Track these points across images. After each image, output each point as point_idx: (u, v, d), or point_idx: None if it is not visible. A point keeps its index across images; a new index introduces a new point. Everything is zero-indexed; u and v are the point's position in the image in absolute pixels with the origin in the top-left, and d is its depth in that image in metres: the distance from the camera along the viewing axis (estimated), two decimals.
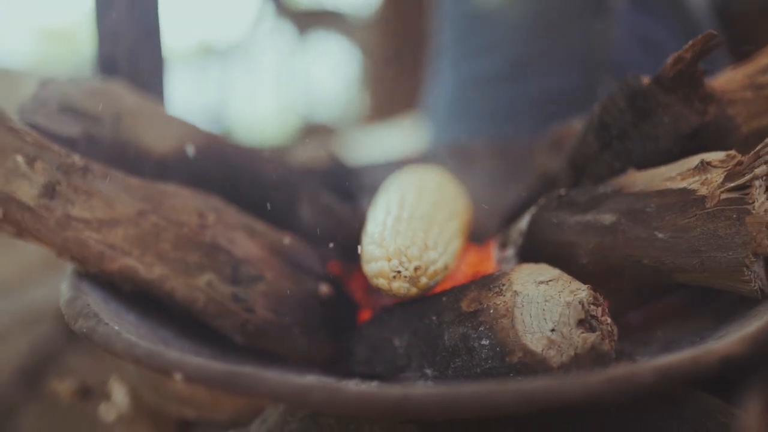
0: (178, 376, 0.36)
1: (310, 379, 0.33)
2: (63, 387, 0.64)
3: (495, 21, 0.98)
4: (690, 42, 0.47)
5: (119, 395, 0.72)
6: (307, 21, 2.70)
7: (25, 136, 0.49)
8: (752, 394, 0.26)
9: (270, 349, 0.52)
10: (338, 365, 0.53)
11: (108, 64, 0.63)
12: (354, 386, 0.33)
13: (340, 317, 0.54)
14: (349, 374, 0.50)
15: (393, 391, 0.32)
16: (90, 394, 0.66)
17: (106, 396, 0.73)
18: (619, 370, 0.33)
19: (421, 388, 0.32)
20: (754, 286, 0.43)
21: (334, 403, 0.33)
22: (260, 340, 0.51)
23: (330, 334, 0.53)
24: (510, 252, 0.53)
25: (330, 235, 0.59)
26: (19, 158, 0.48)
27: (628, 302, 0.50)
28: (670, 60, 0.48)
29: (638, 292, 0.49)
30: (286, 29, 2.73)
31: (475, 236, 0.64)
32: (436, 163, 0.76)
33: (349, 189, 0.66)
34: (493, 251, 0.56)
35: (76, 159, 0.50)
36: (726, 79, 0.52)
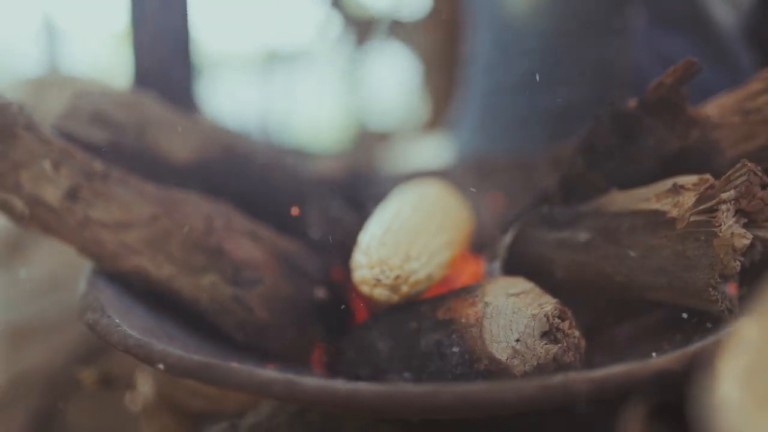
0: (161, 366, 0.40)
1: (272, 373, 0.37)
2: (86, 375, 0.69)
3: (524, 30, 1.00)
4: (671, 68, 0.49)
5: (145, 387, 0.77)
6: (370, 28, 2.74)
7: (53, 143, 0.54)
8: (633, 409, 0.28)
9: (267, 348, 0.55)
10: (332, 365, 0.56)
11: (141, 76, 0.69)
12: (310, 380, 0.36)
13: (335, 321, 0.57)
14: (339, 374, 0.53)
15: (343, 386, 0.35)
16: (112, 383, 0.70)
17: (132, 387, 0.78)
18: (555, 379, 0.35)
19: (369, 385, 0.35)
20: (721, 306, 0.44)
21: (292, 394, 0.36)
22: (258, 339, 0.55)
23: (324, 336, 0.56)
24: (496, 265, 0.55)
25: (337, 244, 0.62)
26: (47, 164, 0.53)
27: (606, 317, 0.52)
28: (652, 85, 0.50)
29: (614, 308, 0.51)
30: (350, 36, 2.78)
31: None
32: (456, 174, 0.79)
33: (362, 199, 0.69)
34: (483, 264, 0.59)
35: (97, 165, 0.55)
36: (717, 104, 0.53)
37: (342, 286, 0.58)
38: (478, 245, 0.65)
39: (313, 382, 0.36)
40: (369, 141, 2.81)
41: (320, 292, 0.57)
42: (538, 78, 0.96)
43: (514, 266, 0.54)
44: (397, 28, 2.70)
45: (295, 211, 0.63)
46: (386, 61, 2.82)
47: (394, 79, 2.82)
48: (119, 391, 0.77)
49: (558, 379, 0.35)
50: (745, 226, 0.45)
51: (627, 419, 0.28)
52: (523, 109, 0.98)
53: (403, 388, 0.35)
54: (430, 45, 2.34)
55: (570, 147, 0.61)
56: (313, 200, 0.64)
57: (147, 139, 0.61)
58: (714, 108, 0.53)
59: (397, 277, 0.48)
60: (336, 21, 2.74)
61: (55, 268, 1.06)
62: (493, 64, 1.06)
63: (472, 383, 0.35)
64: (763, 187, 0.45)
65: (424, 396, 0.34)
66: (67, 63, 2.14)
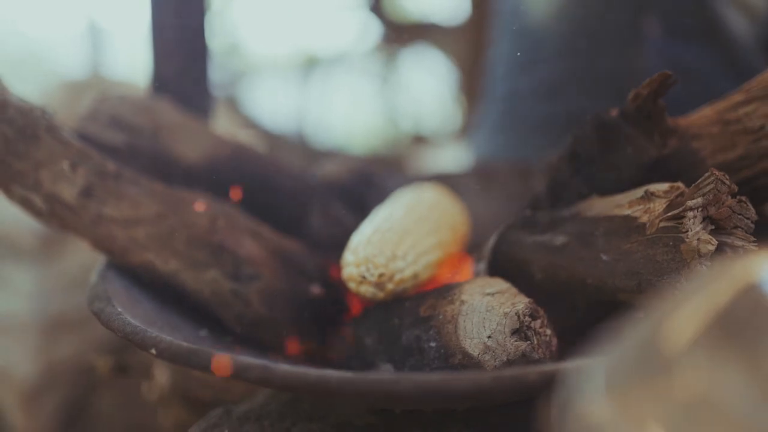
0: (153, 351, 0.43)
1: (249, 359, 0.40)
2: (101, 363, 0.73)
3: (542, 38, 1.02)
4: (647, 80, 0.51)
5: (162, 378, 0.81)
6: (410, 33, 2.77)
7: (71, 144, 0.58)
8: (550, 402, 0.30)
9: (263, 340, 0.59)
10: (324, 359, 0.59)
11: (158, 82, 0.73)
12: (282, 366, 0.39)
13: (329, 316, 0.60)
14: (332, 367, 0.56)
15: (312, 372, 0.38)
16: (127, 371, 0.75)
17: (149, 378, 0.82)
18: (508, 371, 0.38)
19: (336, 373, 0.38)
20: None
21: (266, 378, 0.39)
22: (254, 331, 0.58)
23: (317, 330, 0.59)
24: (481, 266, 0.58)
25: (337, 244, 0.65)
26: (65, 164, 0.57)
27: (586, 319, 0.54)
28: (630, 95, 0.52)
29: (591, 309, 0.52)
30: (389, 41, 2.82)
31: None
32: (459, 179, 0.82)
33: (365, 201, 0.72)
34: (472, 265, 0.61)
35: (111, 165, 0.59)
36: (700, 115, 0.55)
37: (337, 283, 0.61)
38: (477, 247, 0.67)
39: (285, 368, 0.39)
40: (405, 144, 2.84)
41: (315, 289, 0.60)
42: (554, 85, 0.98)
43: (497, 267, 0.56)
44: (435, 34, 2.72)
45: (294, 210, 0.66)
46: (423, 66, 2.85)
47: (430, 84, 2.85)
48: (134, 379, 0.81)
49: (511, 371, 0.38)
50: (713, 232, 0.46)
51: (545, 411, 0.30)
52: (539, 115, 1.01)
53: (366, 376, 0.38)
54: (467, 50, 2.36)
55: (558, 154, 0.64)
56: (314, 202, 0.68)
57: (160, 142, 0.65)
58: (695, 118, 0.54)
59: (382, 275, 0.51)
60: (375, 26, 2.77)
61: (87, 263, 1.11)
62: (512, 70, 1.09)
63: (430, 373, 0.38)
64: (732, 195, 0.47)
65: (385, 384, 0.37)
66: (109, 65, 2.20)
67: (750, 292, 0.27)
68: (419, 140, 2.85)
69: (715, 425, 0.22)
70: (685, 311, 0.26)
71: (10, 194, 0.56)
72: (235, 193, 0.64)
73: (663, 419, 0.22)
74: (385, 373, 0.38)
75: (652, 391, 0.23)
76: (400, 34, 2.77)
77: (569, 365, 0.38)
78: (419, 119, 2.96)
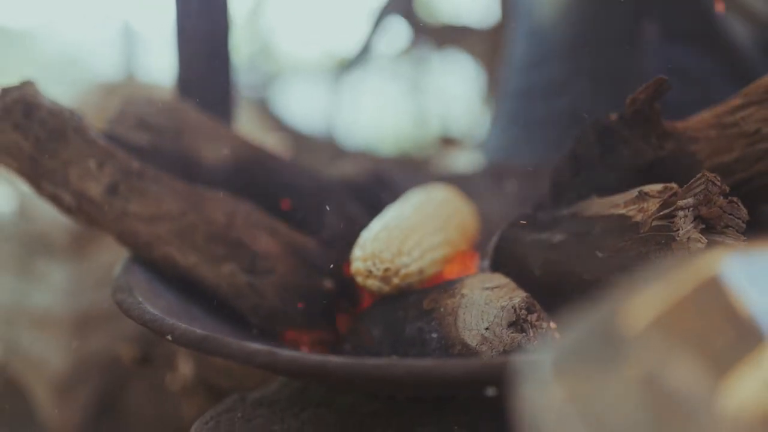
0: (169, 338, 0.46)
1: (257, 345, 0.43)
2: (125, 352, 0.76)
3: (550, 38, 1.04)
4: (643, 85, 0.53)
5: (185, 368, 0.84)
6: (440, 36, 2.78)
7: (98, 144, 0.61)
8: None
9: (278, 331, 0.62)
10: (336, 349, 0.62)
11: (184, 87, 0.76)
12: (287, 352, 0.42)
13: (341, 309, 0.63)
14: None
15: (313, 357, 0.41)
16: (151, 361, 0.78)
17: (173, 369, 0.86)
18: (498, 359, 0.40)
19: (336, 358, 0.41)
20: None
21: (272, 363, 0.42)
22: (269, 323, 0.61)
23: (329, 322, 0.62)
24: (485, 263, 0.60)
25: (346, 241, 0.68)
26: (92, 162, 0.61)
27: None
28: (628, 100, 0.54)
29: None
30: (420, 43, 2.84)
31: None
32: (473, 180, 0.84)
33: (379, 200, 0.75)
34: (478, 262, 0.64)
35: (135, 164, 0.62)
36: (698, 119, 0.57)
37: (348, 278, 0.64)
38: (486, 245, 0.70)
39: (289, 353, 0.42)
40: (433, 146, 2.86)
41: (327, 283, 0.63)
42: (561, 84, 1.00)
43: (499, 264, 0.59)
44: (466, 36, 2.73)
45: (309, 209, 0.69)
46: (453, 68, 2.86)
47: (459, 86, 2.86)
48: (159, 371, 0.85)
49: (500, 358, 0.40)
50: (704, 231, 0.48)
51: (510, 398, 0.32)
52: (546, 113, 1.02)
53: (364, 360, 0.40)
54: (497, 53, 2.37)
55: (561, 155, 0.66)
56: (329, 201, 0.70)
57: (183, 142, 0.68)
58: (693, 122, 0.56)
59: (387, 269, 0.54)
60: (405, 28, 2.79)
61: (118, 260, 1.14)
62: (523, 68, 1.11)
63: (424, 359, 0.40)
64: (724, 196, 0.48)
65: (381, 368, 0.40)
66: (143, 68, 2.25)
67: (711, 283, 0.29)
68: (448, 142, 2.86)
69: (663, 410, 0.23)
70: (644, 298, 0.28)
71: (41, 190, 0.60)
72: (253, 192, 0.67)
73: (611, 402, 0.24)
74: (381, 359, 0.40)
75: (603, 374, 0.25)
76: (431, 36, 2.78)
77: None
78: (448, 121, 2.98)
